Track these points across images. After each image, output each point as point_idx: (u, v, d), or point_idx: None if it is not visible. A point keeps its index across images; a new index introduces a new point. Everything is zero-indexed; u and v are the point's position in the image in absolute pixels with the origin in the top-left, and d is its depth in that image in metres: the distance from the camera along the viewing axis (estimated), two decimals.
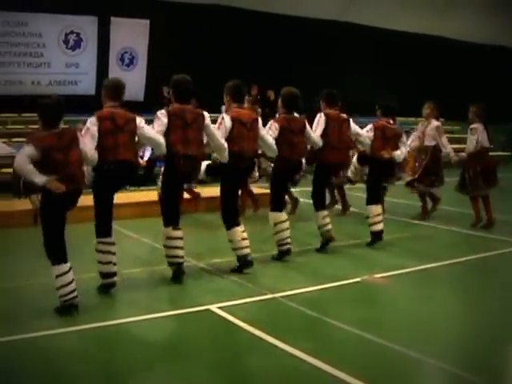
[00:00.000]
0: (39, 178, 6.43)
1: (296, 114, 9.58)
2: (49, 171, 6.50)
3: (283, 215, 9.46)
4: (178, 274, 8.18)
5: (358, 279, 8.54)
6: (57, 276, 6.75)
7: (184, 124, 7.85)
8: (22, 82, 19.60)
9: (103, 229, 7.56)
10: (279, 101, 9.51)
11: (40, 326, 6.52)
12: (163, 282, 8.35)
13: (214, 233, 10.95)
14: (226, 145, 8.27)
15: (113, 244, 7.65)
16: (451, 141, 26.29)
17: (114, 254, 7.64)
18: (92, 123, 7.22)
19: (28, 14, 19.30)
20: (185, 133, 7.84)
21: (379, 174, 10.56)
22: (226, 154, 8.33)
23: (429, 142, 12.72)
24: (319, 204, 9.99)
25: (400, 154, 10.31)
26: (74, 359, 5.86)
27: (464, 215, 12.81)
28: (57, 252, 6.79)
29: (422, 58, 25.76)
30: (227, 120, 8.37)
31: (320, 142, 9.54)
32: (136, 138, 7.61)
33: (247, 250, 8.67)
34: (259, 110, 20.26)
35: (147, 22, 21.02)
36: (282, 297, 7.69)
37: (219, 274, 8.68)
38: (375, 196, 10.46)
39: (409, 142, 12.12)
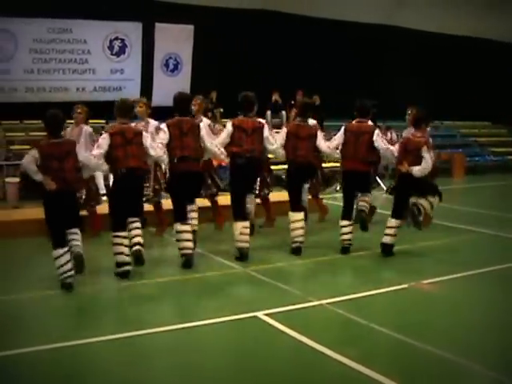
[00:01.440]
0: (38, 176, 8.07)
1: None
2: (46, 173, 8.05)
3: (297, 215, 10.19)
4: (186, 263, 9.29)
5: (405, 285, 8.45)
6: (54, 258, 8.11)
7: (181, 133, 9.28)
8: (67, 88, 19.81)
9: (117, 224, 8.84)
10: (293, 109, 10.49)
11: (77, 334, 6.59)
12: (210, 288, 8.38)
13: (262, 238, 10.97)
14: (217, 150, 9.67)
15: (126, 237, 8.76)
16: (498, 144, 26.23)
17: (126, 246, 8.77)
18: (104, 138, 8.76)
19: (73, 21, 19.51)
20: (181, 140, 9.28)
21: (403, 188, 10.17)
22: (222, 156, 9.89)
23: None
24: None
25: (417, 170, 9.78)
26: (117, 366, 5.88)
27: (506, 219, 12.64)
28: (54, 239, 8.21)
29: (471, 60, 25.53)
30: (229, 126, 9.81)
31: (332, 152, 10.54)
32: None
33: (245, 244, 9.73)
34: None
35: (191, 27, 21.10)
36: (328, 303, 7.64)
37: (266, 281, 8.65)
38: (397, 210, 10.17)
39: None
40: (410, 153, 9.94)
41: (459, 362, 5.98)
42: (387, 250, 10.10)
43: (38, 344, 6.25)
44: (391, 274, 9.26)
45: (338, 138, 10.35)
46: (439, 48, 24.71)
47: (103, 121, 17.33)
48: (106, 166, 8.88)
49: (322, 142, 10.35)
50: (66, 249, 8.15)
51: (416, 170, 9.78)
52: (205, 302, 7.89)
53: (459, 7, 24.40)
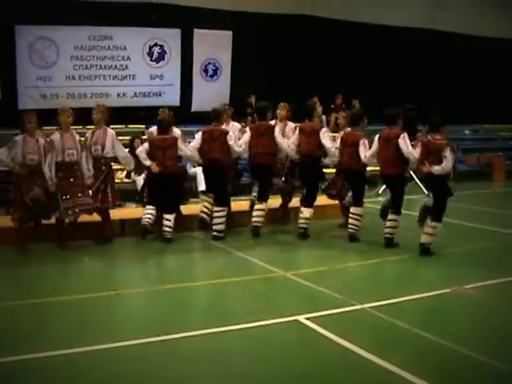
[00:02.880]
0: (147, 162, 11.08)
1: None
2: (152, 159, 11.01)
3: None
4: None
5: (447, 290, 8.38)
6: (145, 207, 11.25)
7: (258, 134, 11.59)
8: (107, 94, 19.98)
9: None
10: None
11: (128, 334, 6.64)
12: (250, 292, 8.42)
13: (303, 242, 10.98)
14: (288, 147, 11.69)
15: (209, 202, 11.64)
16: None
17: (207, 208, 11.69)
18: (199, 135, 11.48)
19: (113, 28, 19.72)
20: (257, 141, 11.58)
21: (433, 188, 10.45)
22: (293, 153, 11.77)
23: None
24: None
25: (438, 168, 9.98)
26: (155, 369, 5.89)
27: None
28: (148, 199, 11.33)
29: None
30: (296, 129, 11.83)
31: (368, 162, 11.15)
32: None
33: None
34: None
35: (230, 33, 21.18)
36: (370, 307, 7.60)
37: (307, 284, 8.63)
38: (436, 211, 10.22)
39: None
40: (431, 154, 10.14)
41: (505, 369, 5.88)
42: (424, 249, 10.19)
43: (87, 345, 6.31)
44: (433, 278, 9.21)
45: (374, 146, 11.01)
46: (479, 51, 24.46)
47: (143, 126, 17.41)
48: (198, 157, 11.52)
49: (362, 151, 11.12)
50: (153, 207, 11.06)
51: (436, 170, 10.01)
52: (245, 305, 7.91)
53: (500, 9, 24.22)
